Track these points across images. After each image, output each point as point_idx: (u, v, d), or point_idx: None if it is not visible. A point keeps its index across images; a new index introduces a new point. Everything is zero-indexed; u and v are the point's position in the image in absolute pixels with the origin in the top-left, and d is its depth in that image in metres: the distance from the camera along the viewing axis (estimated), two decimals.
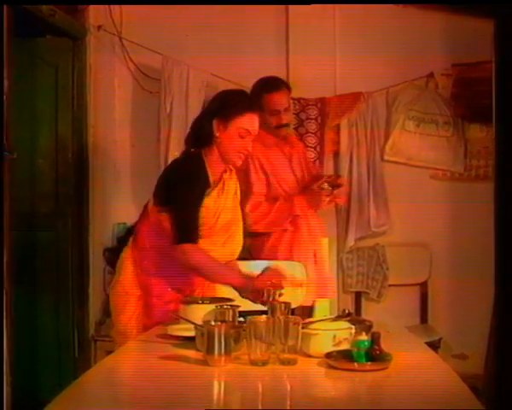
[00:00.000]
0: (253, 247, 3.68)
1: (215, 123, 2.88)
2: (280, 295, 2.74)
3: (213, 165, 2.92)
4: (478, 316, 4.34)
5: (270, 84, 3.74)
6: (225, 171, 2.97)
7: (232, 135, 2.87)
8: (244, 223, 3.29)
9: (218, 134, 2.88)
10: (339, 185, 3.72)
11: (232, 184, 3.01)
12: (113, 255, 3.10)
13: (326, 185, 3.68)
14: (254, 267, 3.30)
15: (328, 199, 3.70)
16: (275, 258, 3.50)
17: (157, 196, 2.94)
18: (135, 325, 2.89)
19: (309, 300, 3.47)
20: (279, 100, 3.70)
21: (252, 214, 3.63)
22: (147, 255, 2.93)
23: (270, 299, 2.70)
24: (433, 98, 4.78)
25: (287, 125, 3.77)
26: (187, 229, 2.83)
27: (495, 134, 3.20)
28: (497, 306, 3.12)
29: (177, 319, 2.59)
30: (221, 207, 2.92)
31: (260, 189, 3.68)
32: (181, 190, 2.84)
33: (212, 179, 2.91)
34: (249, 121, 2.89)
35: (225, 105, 2.91)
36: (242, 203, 3.36)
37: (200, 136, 2.93)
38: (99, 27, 4.79)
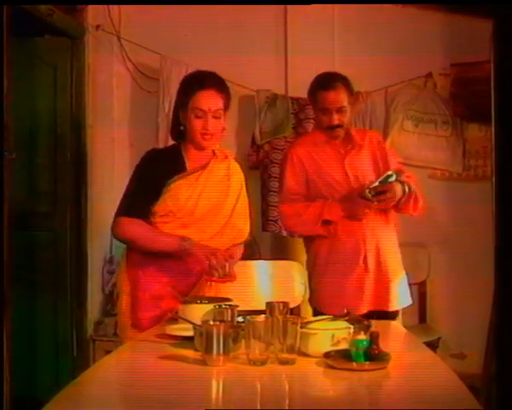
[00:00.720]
0: (305, 249, 3.60)
1: (181, 114, 2.93)
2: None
3: (193, 155, 2.94)
4: (476, 316, 4.34)
5: (325, 81, 3.45)
6: (216, 156, 2.97)
7: (190, 118, 2.88)
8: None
9: (183, 122, 2.93)
10: (382, 192, 3.32)
11: (222, 168, 2.98)
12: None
13: (367, 193, 3.30)
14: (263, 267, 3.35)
15: (366, 210, 3.35)
16: (316, 264, 3.43)
17: None
18: (127, 321, 2.89)
19: (364, 309, 3.30)
20: (333, 98, 3.39)
21: (282, 214, 3.54)
22: (136, 252, 2.92)
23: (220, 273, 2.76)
24: (431, 98, 4.78)
25: (339, 126, 3.41)
26: (128, 203, 2.87)
27: (494, 134, 3.20)
28: (495, 305, 3.12)
29: (175, 318, 2.59)
30: (199, 190, 2.89)
31: (293, 188, 3.46)
32: (143, 172, 2.92)
33: (190, 167, 2.92)
34: (200, 100, 2.86)
35: (181, 93, 2.96)
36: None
37: (175, 129, 3.00)
38: (97, 27, 4.80)
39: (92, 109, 4.78)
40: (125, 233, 2.86)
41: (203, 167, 2.94)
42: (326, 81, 3.44)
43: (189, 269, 2.90)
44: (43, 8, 4.18)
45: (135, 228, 2.84)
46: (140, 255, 2.90)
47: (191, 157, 2.94)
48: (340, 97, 3.41)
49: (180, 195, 2.86)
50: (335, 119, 3.40)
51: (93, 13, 4.80)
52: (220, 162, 2.99)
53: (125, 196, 2.91)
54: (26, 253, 4.47)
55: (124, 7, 4.80)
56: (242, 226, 3.02)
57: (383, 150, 3.59)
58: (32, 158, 4.61)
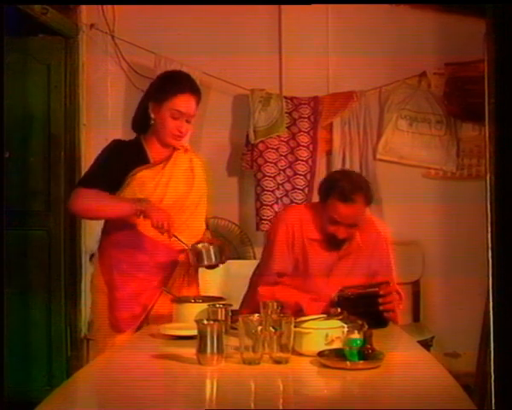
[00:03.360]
0: None
1: (151, 105, 2.91)
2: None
3: (155, 149, 2.95)
4: (470, 314, 4.35)
5: (345, 191, 2.85)
6: (177, 149, 2.97)
7: (164, 116, 2.89)
8: None
9: (152, 116, 2.91)
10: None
11: (185, 160, 3.00)
12: None
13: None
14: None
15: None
16: None
17: None
18: (105, 321, 2.89)
19: None
20: (349, 213, 2.85)
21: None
22: (107, 250, 2.93)
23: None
24: (425, 97, 4.79)
25: (345, 239, 2.92)
26: (87, 178, 2.88)
27: (487, 133, 3.21)
28: (489, 304, 3.13)
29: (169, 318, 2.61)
30: (165, 179, 2.91)
31: (277, 269, 2.97)
32: (105, 157, 2.92)
33: (153, 160, 2.93)
34: (181, 102, 2.88)
35: (159, 87, 2.95)
36: None
37: (139, 119, 2.98)
38: (91, 26, 4.78)
39: (86, 108, 4.77)
40: (81, 204, 2.85)
41: (167, 159, 2.95)
42: (346, 192, 2.85)
43: (163, 262, 2.90)
44: (37, 7, 4.17)
45: (90, 197, 2.81)
46: (113, 254, 2.89)
47: (153, 151, 2.95)
48: (357, 212, 2.88)
49: (147, 183, 2.87)
50: (343, 232, 2.89)
51: (87, 12, 4.79)
52: (182, 155, 2.99)
53: (86, 173, 2.94)
54: (20, 252, 4.46)
55: (118, 6, 4.79)
56: (201, 225, 3.02)
57: (382, 256, 3.10)
58: (26, 157, 4.60)
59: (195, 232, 2.96)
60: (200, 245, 2.82)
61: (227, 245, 2.93)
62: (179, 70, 3.15)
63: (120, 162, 2.87)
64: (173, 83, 2.93)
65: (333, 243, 2.93)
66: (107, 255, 2.93)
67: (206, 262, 2.83)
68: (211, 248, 2.82)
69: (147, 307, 2.84)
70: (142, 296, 2.85)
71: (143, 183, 2.86)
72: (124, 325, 2.81)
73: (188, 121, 2.91)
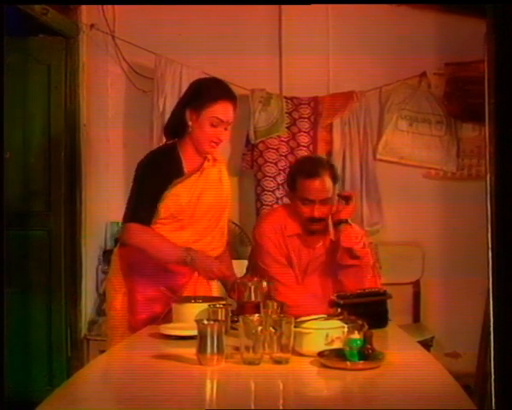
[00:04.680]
0: None
1: (188, 112, 2.88)
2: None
3: (189, 156, 2.93)
4: (470, 315, 4.35)
5: (309, 167, 3.08)
6: (207, 159, 2.96)
7: (204, 124, 2.86)
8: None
9: (190, 123, 2.88)
10: None
11: (215, 172, 2.99)
12: (110, 256, 3.12)
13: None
14: None
15: None
16: None
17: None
18: (122, 321, 2.90)
19: None
20: (318, 188, 3.00)
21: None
22: (130, 253, 2.92)
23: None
24: (425, 97, 4.79)
25: (321, 219, 3.03)
26: (133, 209, 2.87)
27: (487, 133, 3.21)
28: (489, 304, 3.13)
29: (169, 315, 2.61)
30: (198, 191, 2.91)
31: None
32: (144, 176, 2.89)
33: (187, 169, 2.92)
34: (221, 110, 2.86)
35: (197, 94, 2.91)
36: None
37: (175, 126, 2.96)
38: (92, 26, 4.78)
39: (86, 109, 4.77)
40: (134, 240, 2.86)
41: (199, 170, 2.94)
42: (311, 167, 3.06)
43: (183, 270, 2.91)
44: (38, 8, 4.17)
45: (142, 236, 2.84)
46: (134, 256, 2.91)
47: (188, 158, 2.93)
48: (325, 186, 3.02)
49: (181, 199, 2.87)
50: (318, 210, 3.01)
51: (87, 12, 4.78)
52: (212, 166, 2.98)
53: (130, 201, 2.91)
54: (20, 252, 4.46)
55: (118, 6, 4.80)
56: (224, 236, 3.05)
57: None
58: (26, 157, 4.60)
59: (222, 241, 3.01)
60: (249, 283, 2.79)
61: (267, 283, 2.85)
62: (216, 77, 3.11)
63: (160, 178, 2.87)
64: (212, 90, 2.91)
65: (311, 232, 3.07)
66: (128, 256, 2.93)
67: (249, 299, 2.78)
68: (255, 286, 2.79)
69: (165, 309, 2.84)
70: (162, 300, 2.85)
71: (178, 197, 2.86)
72: (140, 326, 2.81)
73: (225, 129, 2.89)
